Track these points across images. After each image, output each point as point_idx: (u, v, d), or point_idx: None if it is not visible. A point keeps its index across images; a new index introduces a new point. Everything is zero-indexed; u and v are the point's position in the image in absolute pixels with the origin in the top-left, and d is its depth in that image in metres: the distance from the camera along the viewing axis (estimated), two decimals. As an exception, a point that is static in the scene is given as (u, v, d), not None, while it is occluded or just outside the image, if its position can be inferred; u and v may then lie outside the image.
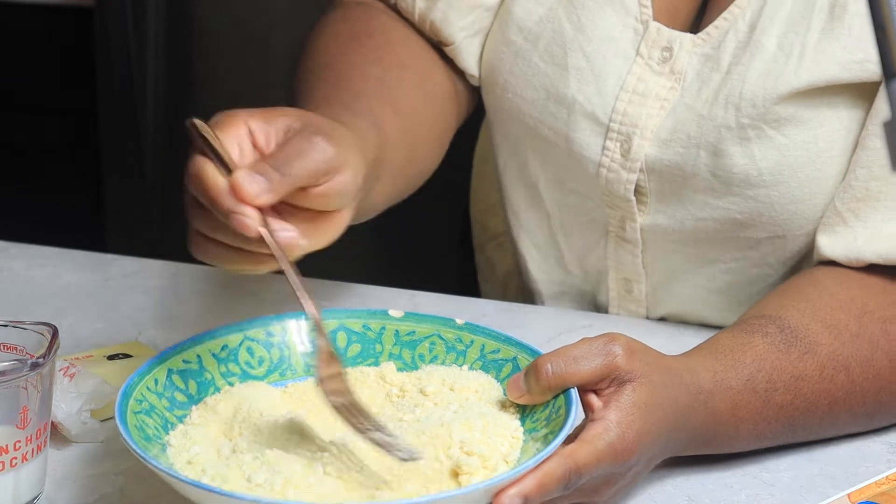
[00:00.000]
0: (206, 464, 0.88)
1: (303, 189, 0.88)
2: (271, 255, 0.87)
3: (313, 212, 0.90)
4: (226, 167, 0.87)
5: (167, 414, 0.92)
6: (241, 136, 0.89)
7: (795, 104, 1.08)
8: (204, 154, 0.88)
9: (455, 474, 0.86)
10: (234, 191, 0.85)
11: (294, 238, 0.87)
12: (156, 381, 0.93)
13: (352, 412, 0.88)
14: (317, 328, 0.90)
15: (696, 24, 1.15)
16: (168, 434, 0.91)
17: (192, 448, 0.89)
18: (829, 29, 1.07)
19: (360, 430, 0.87)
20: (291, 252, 0.88)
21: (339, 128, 0.94)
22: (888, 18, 0.74)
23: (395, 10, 1.24)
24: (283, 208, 0.89)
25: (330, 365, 0.90)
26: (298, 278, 0.88)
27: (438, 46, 1.24)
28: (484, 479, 0.85)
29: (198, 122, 0.89)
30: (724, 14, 1.11)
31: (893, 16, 0.74)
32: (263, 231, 0.86)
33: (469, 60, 1.23)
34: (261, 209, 0.86)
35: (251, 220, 0.85)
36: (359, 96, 1.10)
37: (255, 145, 0.90)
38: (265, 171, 0.86)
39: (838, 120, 1.08)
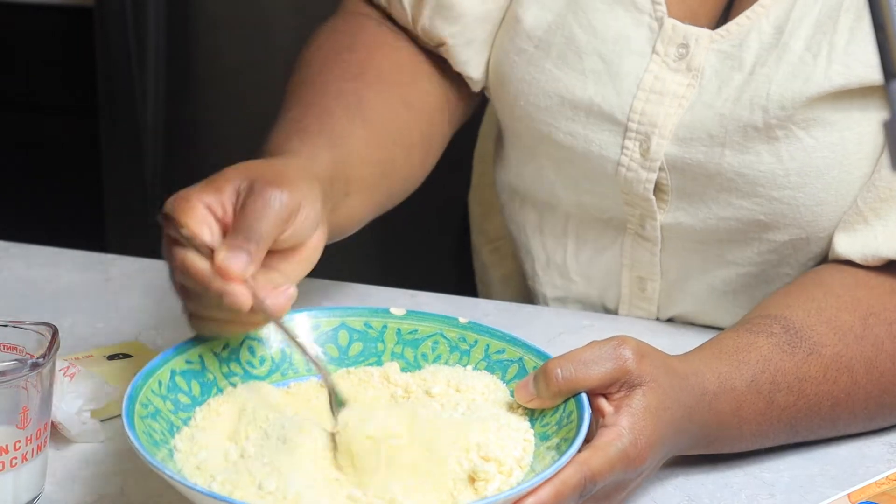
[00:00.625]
0: (214, 469, 0.87)
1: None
2: (263, 316, 0.92)
3: (285, 249, 0.95)
4: (200, 248, 0.91)
5: (172, 417, 0.92)
6: (204, 215, 0.93)
7: (825, 106, 1.07)
8: (178, 242, 0.92)
9: (472, 480, 0.86)
10: (221, 273, 0.89)
11: (280, 300, 0.92)
12: (159, 384, 0.93)
13: None
14: (329, 388, 0.93)
15: (718, 27, 1.14)
16: (174, 438, 0.91)
17: (200, 453, 0.89)
18: (858, 30, 1.06)
19: None
20: (281, 310, 0.92)
21: (281, 166, 0.98)
22: (888, 18, 0.74)
23: (390, 19, 1.24)
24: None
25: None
26: (297, 338, 0.94)
27: (435, 53, 1.23)
28: (500, 486, 0.85)
29: (165, 213, 0.93)
30: (747, 12, 1.10)
31: (893, 16, 0.74)
32: (258, 300, 0.90)
33: (466, 64, 1.22)
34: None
35: (243, 296, 0.89)
36: (324, 115, 1.11)
37: (216, 219, 0.93)
38: (241, 244, 0.90)
39: (868, 122, 1.08)
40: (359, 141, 1.11)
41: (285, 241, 0.94)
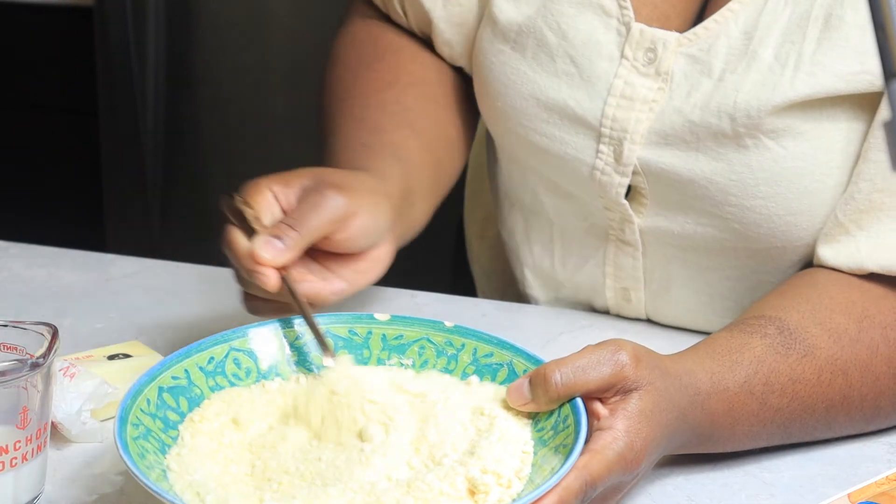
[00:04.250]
0: (204, 489, 0.86)
1: (327, 237, 1.00)
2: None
3: (350, 255, 1.02)
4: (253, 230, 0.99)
5: (162, 436, 0.91)
6: (270, 201, 1.01)
7: (793, 115, 1.07)
8: (233, 224, 0.99)
9: (471, 493, 0.86)
10: (254, 257, 0.97)
11: (318, 287, 1.00)
12: (148, 402, 0.92)
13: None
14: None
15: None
16: (166, 457, 0.90)
17: (195, 474, 0.88)
18: (826, 39, 1.05)
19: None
20: (316, 299, 0.99)
21: (353, 177, 1.06)
22: (888, 18, 0.74)
23: (393, 22, 1.28)
24: (321, 256, 1.01)
25: None
26: (316, 322, 0.98)
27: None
28: (501, 498, 0.85)
29: (233, 196, 1.01)
30: (715, 16, 1.09)
31: (893, 16, 0.74)
32: (287, 283, 0.97)
33: (457, 62, 1.27)
34: (283, 267, 0.97)
35: (269, 278, 0.96)
36: (378, 130, 1.17)
37: (280, 208, 1.01)
38: (282, 233, 0.97)
39: (837, 131, 1.07)
40: (414, 151, 1.17)
41: (340, 244, 1.00)
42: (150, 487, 0.82)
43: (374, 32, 1.28)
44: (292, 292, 0.97)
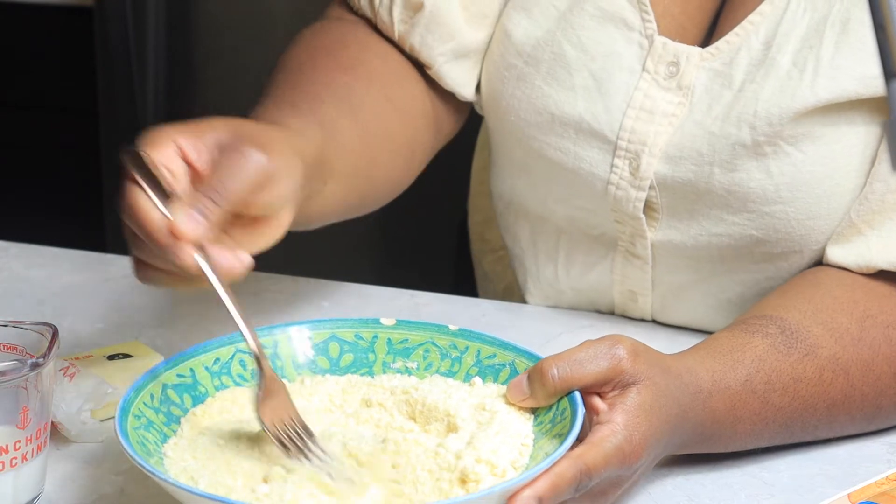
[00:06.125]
0: (197, 473, 0.87)
1: (246, 202, 0.89)
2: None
3: (251, 217, 0.91)
4: (162, 192, 0.87)
5: (164, 428, 0.92)
6: (171, 155, 0.88)
7: (812, 120, 1.07)
8: (136, 182, 0.87)
9: (462, 481, 0.86)
10: (173, 232, 0.85)
11: (233, 263, 0.87)
12: (151, 397, 0.93)
13: (292, 441, 0.88)
14: (256, 357, 0.90)
15: (706, 41, 1.13)
16: (163, 446, 0.91)
17: (190, 461, 0.89)
18: (844, 43, 1.05)
19: (304, 458, 0.87)
20: (229, 275, 0.88)
21: (270, 131, 0.95)
22: (888, 18, 0.74)
23: (377, 29, 1.21)
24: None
25: (271, 395, 0.90)
26: (235, 304, 0.88)
27: (420, 67, 1.21)
28: (493, 486, 0.85)
29: (130, 149, 0.88)
30: (736, 30, 1.09)
31: (893, 16, 0.74)
32: (202, 263, 0.86)
33: (456, 81, 1.20)
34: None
35: (188, 256, 0.85)
36: (313, 98, 1.08)
37: (186, 161, 0.89)
38: (200, 204, 0.86)
39: (855, 135, 1.07)
40: (345, 132, 1.08)
41: (255, 209, 0.90)
42: (143, 466, 0.83)
43: (344, 27, 1.22)
44: (211, 273, 0.86)
